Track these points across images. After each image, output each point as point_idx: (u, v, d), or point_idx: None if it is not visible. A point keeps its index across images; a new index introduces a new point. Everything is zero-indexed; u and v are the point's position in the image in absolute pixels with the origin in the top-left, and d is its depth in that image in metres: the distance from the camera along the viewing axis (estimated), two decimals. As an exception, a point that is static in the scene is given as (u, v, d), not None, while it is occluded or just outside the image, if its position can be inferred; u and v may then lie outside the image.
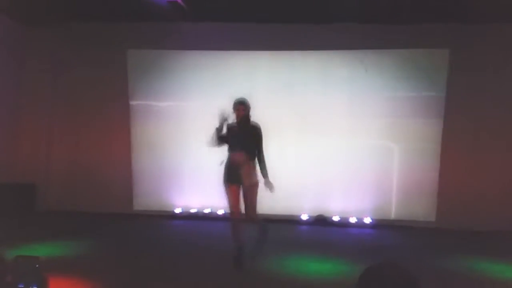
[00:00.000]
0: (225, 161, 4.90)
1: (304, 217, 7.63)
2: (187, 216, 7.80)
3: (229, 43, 7.66)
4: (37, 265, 3.39)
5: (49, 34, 8.00)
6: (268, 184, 4.77)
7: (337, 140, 7.58)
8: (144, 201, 7.99)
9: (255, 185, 4.80)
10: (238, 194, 4.85)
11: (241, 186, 4.82)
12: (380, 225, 7.44)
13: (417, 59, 7.55)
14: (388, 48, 7.54)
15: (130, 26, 7.79)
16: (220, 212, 7.71)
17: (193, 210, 7.84)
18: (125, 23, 7.80)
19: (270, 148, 7.22)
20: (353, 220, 7.54)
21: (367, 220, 7.53)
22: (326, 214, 7.61)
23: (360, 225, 7.50)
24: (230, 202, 4.83)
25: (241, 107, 4.87)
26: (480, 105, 7.38)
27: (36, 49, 8.04)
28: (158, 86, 7.94)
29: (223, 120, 4.84)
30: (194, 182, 7.85)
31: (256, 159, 4.84)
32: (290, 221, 7.44)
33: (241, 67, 7.80)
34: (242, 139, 4.81)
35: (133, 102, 8.00)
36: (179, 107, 7.93)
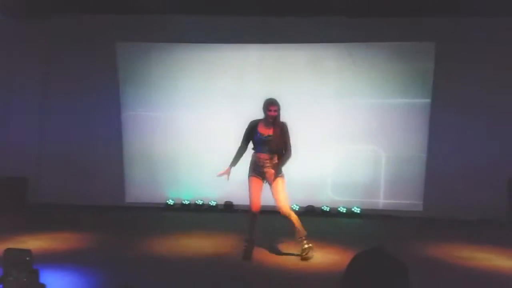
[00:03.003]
0: (251, 157, 5.04)
1: (294, 207, 7.72)
2: (179, 208, 7.85)
3: (218, 36, 7.67)
4: (27, 258, 3.42)
5: (38, 28, 7.93)
6: (275, 173, 4.90)
7: (326, 131, 7.68)
8: (136, 193, 8.02)
9: (280, 179, 4.96)
10: (260, 188, 4.98)
11: (265, 181, 4.98)
12: (368, 214, 7.58)
13: (404, 51, 7.65)
14: (376, 41, 7.62)
15: (119, 18, 7.76)
16: (213, 203, 7.79)
17: (185, 202, 7.89)
18: (114, 15, 7.76)
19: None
20: (342, 210, 7.67)
21: (356, 210, 7.66)
22: (316, 205, 7.72)
23: (349, 215, 7.63)
24: (250, 194, 4.95)
25: (274, 107, 4.91)
26: (466, 96, 7.49)
27: (24, 42, 7.97)
28: (149, 78, 7.94)
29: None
30: (186, 173, 7.91)
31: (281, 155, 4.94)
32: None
33: (230, 60, 7.83)
34: (270, 140, 4.90)
35: (123, 94, 7.98)
36: (171, 99, 7.94)
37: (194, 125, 7.85)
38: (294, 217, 4.96)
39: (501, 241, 6.01)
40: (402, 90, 7.67)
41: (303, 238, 4.96)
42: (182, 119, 7.88)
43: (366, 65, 7.69)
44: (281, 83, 7.62)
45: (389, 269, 1.46)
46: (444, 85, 7.48)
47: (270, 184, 4.96)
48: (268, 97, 5.03)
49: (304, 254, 4.94)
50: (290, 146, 4.99)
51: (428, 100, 7.60)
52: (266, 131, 4.94)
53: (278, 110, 4.93)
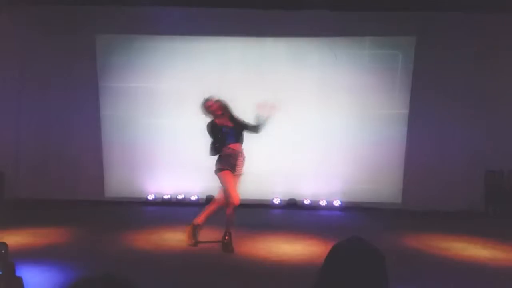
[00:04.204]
0: (221, 153, 5.11)
1: (276, 201, 7.78)
2: (160, 203, 7.81)
3: (200, 28, 7.62)
4: (3, 251, 3.37)
5: (15, 19, 7.73)
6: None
7: (307, 126, 7.72)
8: (116, 188, 7.93)
9: (241, 174, 5.19)
10: (235, 181, 5.15)
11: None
12: (348, 207, 7.68)
13: (384, 46, 7.73)
14: (357, 36, 7.68)
15: (98, 9, 7.63)
16: (193, 197, 7.77)
17: (166, 196, 7.85)
18: (94, 7, 7.63)
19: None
20: (323, 203, 7.74)
21: (336, 203, 7.74)
22: (297, 198, 7.78)
23: (329, 207, 7.71)
24: (230, 188, 5.02)
25: (210, 102, 5.23)
26: (445, 90, 7.63)
27: (1, 35, 7.77)
28: (128, 71, 7.83)
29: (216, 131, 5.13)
30: (166, 168, 7.86)
31: (254, 130, 5.24)
32: (262, 205, 7.58)
33: (212, 53, 7.79)
34: (234, 129, 5.15)
35: (102, 88, 7.86)
36: (150, 93, 7.85)
37: (174, 119, 7.80)
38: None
39: (477, 232, 6.17)
40: (382, 83, 7.74)
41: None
42: (162, 113, 7.81)
43: (347, 59, 7.74)
44: (263, 76, 7.62)
45: (366, 256, 1.48)
46: (423, 79, 7.59)
47: (236, 175, 5.12)
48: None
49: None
50: (248, 123, 5.26)
51: (407, 93, 7.70)
52: (226, 123, 5.17)
53: (215, 102, 5.20)
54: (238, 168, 5.11)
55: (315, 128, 7.75)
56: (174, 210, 7.49)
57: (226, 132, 5.10)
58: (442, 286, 4.23)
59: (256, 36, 7.72)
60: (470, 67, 7.56)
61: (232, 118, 5.22)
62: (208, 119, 5.24)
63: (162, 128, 7.82)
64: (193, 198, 7.79)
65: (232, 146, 5.09)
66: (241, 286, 4.12)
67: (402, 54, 7.73)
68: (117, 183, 7.94)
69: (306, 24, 7.49)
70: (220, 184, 5.12)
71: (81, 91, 7.84)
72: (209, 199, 7.74)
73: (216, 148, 5.12)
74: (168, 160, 7.82)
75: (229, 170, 5.03)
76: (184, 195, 7.84)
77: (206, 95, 5.31)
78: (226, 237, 5.08)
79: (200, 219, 5.24)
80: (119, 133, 7.89)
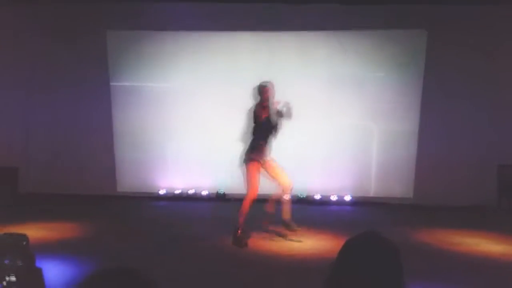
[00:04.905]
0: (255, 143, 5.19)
1: (286, 196, 7.75)
2: (171, 197, 7.86)
3: (209, 23, 7.61)
4: (24, 243, 3.41)
5: (24, 16, 7.80)
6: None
7: (317, 120, 7.68)
8: (127, 182, 7.99)
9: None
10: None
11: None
12: (359, 202, 7.65)
13: (395, 39, 7.65)
14: (367, 29, 7.62)
15: (109, 6, 7.67)
16: (204, 192, 7.80)
17: (177, 191, 7.90)
18: (104, 3, 7.66)
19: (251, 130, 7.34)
20: (333, 198, 7.72)
21: (347, 198, 7.72)
22: (308, 193, 7.76)
23: (340, 202, 7.69)
24: (255, 182, 5.12)
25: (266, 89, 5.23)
26: (457, 85, 7.55)
27: (11, 31, 7.84)
28: (139, 68, 7.86)
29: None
30: (177, 163, 7.90)
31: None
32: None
33: (221, 48, 7.78)
34: (269, 124, 5.19)
35: (114, 84, 7.92)
36: (161, 89, 7.89)
37: (185, 114, 7.82)
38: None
39: (490, 227, 6.11)
40: (392, 78, 7.68)
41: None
42: (173, 109, 7.84)
43: (357, 53, 7.68)
44: (272, 71, 7.60)
45: (381, 249, 1.47)
46: (434, 73, 7.51)
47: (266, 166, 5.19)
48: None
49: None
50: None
51: (419, 89, 7.62)
52: (266, 114, 5.16)
53: (271, 89, 5.23)
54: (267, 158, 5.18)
55: (325, 123, 7.71)
56: (185, 205, 7.53)
57: (263, 123, 5.12)
58: (454, 281, 4.20)
59: (265, 30, 7.69)
60: (481, 61, 7.46)
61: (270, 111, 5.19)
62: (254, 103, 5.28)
63: (173, 124, 7.85)
64: (204, 193, 7.82)
65: (266, 137, 5.15)
66: (253, 280, 4.14)
67: (413, 48, 7.65)
68: (129, 177, 8.00)
69: (314, 18, 7.44)
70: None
71: (92, 87, 7.90)
72: (220, 195, 7.79)
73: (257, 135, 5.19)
74: (179, 155, 7.85)
75: (258, 162, 5.06)
76: (195, 190, 7.87)
77: (264, 80, 5.30)
78: (239, 231, 5.08)
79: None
80: (130, 128, 7.93)
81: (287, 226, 5.24)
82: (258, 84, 5.26)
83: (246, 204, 5.09)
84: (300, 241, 5.21)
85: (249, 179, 5.06)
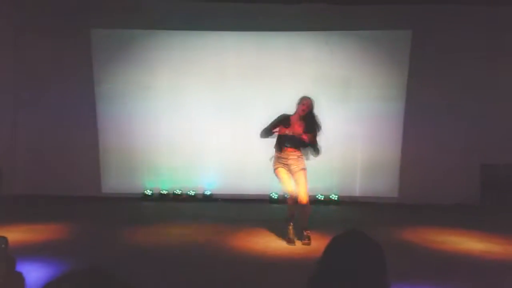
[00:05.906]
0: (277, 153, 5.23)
1: (274, 195, 7.77)
2: (157, 198, 7.80)
3: (197, 23, 7.60)
4: (3, 246, 3.33)
5: (9, 14, 7.69)
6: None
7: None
8: (112, 183, 7.93)
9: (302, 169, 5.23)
10: None
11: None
12: (345, 201, 7.69)
13: (380, 40, 7.73)
14: (353, 30, 7.67)
15: (93, 4, 7.59)
16: (191, 193, 7.77)
17: (163, 192, 7.85)
18: (89, 1, 7.59)
19: (238, 129, 7.34)
20: (320, 197, 7.75)
21: (333, 197, 7.76)
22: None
23: (326, 202, 7.72)
24: (287, 185, 5.20)
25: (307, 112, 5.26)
26: (441, 84, 7.65)
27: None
28: (124, 66, 7.81)
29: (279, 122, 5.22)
30: (163, 163, 7.85)
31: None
32: (261, 200, 7.56)
33: (209, 48, 7.77)
34: (296, 140, 5.18)
35: (98, 82, 7.83)
36: (147, 89, 7.83)
37: (171, 114, 7.79)
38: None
39: (473, 225, 6.20)
40: (378, 77, 7.75)
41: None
42: (159, 108, 7.80)
43: (343, 54, 7.73)
44: (259, 71, 7.62)
45: (365, 248, 1.49)
46: (419, 73, 7.60)
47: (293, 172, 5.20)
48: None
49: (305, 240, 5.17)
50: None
51: (403, 87, 7.70)
52: (295, 128, 5.24)
53: (308, 105, 5.33)
54: (293, 166, 5.14)
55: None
56: (172, 205, 7.49)
57: (288, 136, 5.12)
58: (438, 280, 4.25)
59: (253, 30, 7.70)
60: (466, 60, 7.58)
61: (307, 124, 5.21)
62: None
63: (159, 123, 7.80)
64: (191, 193, 7.78)
65: (288, 149, 5.14)
66: (238, 280, 4.13)
67: (398, 48, 7.73)
68: (114, 178, 7.93)
69: (302, 18, 7.48)
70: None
71: (76, 85, 7.81)
72: (207, 195, 7.76)
73: (268, 135, 5.25)
74: (166, 155, 7.81)
75: (281, 167, 5.14)
76: (182, 190, 7.84)
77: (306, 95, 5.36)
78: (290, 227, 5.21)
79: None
80: (115, 128, 7.87)
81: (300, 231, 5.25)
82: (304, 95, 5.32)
83: (287, 203, 5.27)
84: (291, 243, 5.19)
85: (281, 185, 5.23)
